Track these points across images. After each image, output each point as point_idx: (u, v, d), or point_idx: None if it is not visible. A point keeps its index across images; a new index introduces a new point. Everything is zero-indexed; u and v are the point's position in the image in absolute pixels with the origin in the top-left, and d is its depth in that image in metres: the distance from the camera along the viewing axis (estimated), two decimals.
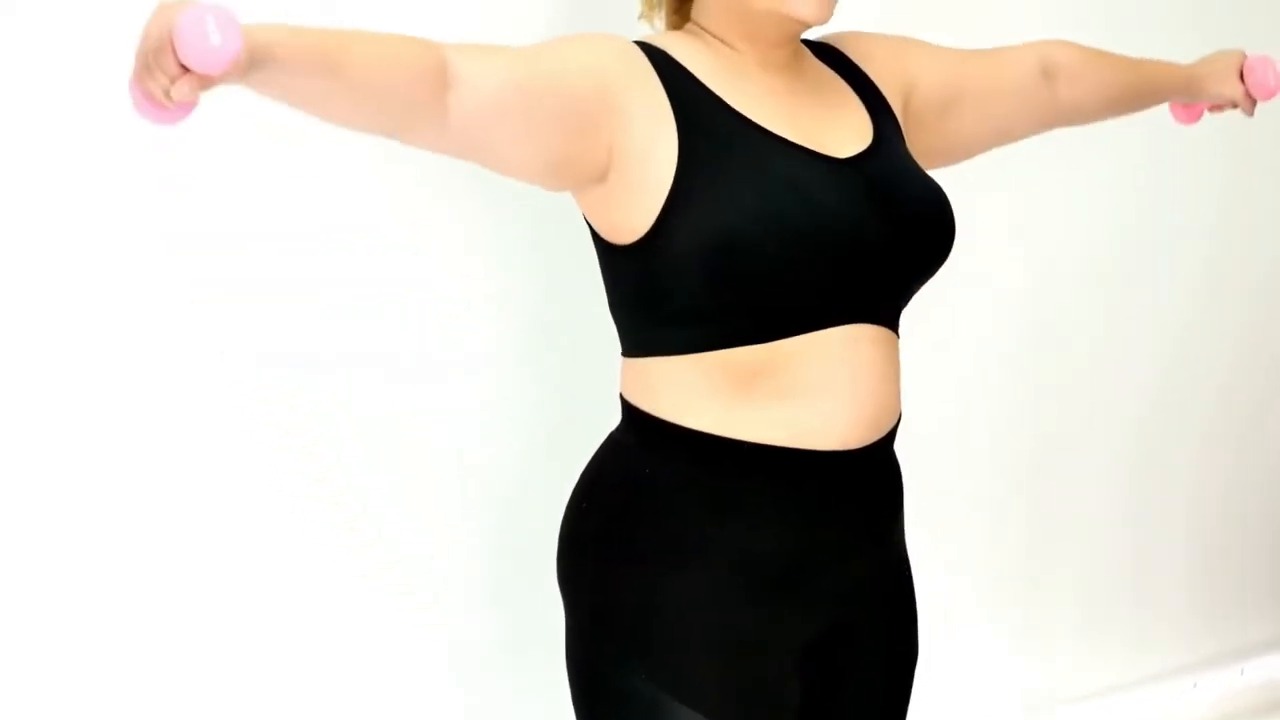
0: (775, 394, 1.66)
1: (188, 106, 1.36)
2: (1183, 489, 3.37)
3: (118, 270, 1.94)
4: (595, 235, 1.72)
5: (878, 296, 1.71)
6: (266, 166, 2.03)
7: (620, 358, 1.76)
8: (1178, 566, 3.39)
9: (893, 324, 1.75)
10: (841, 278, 1.66)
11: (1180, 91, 2.25)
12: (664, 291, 1.66)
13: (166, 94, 1.32)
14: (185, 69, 1.31)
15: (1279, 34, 3.25)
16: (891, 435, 1.77)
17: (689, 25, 1.78)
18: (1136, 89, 2.19)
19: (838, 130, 1.74)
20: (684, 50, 1.71)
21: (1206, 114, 2.32)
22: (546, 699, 2.01)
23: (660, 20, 1.83)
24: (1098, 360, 3.15)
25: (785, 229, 1.60)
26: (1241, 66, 2.23)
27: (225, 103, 1.95)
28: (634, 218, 1.65)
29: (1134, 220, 3.12)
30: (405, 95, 1.50)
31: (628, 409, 1.75)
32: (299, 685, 2.14)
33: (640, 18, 1.85)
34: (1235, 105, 2.26)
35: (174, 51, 1.30)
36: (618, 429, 1.77)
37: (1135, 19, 3.03)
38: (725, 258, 1.60)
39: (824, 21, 1.70)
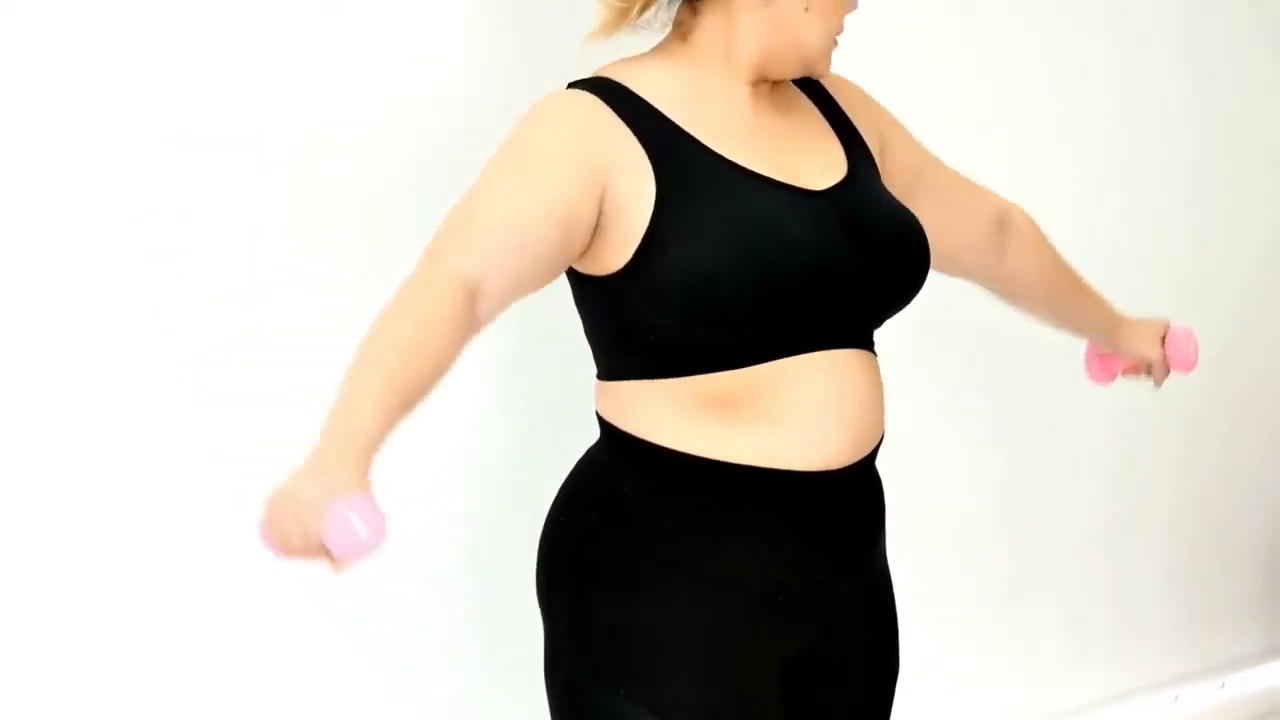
0: (752, 416, 1.66)
1: None
2: (1162, 504, 3.38)
3: (115, 272, 1.94)
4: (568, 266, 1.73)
5: (851, 323, 1.72)
6: (262, 167, 2.02)
7: (595, 380, 1.77)
8: (1158, 581, 3.40)
9: (869, 346, 1.75)
10: (816, 309, 1.66)
11: (1105, 327, 2.26)
12: (638, 324, 1.66)
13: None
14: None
15: (1262, 34, 3.29)
16: (874, 454, 1.77)
17: (673, 44, 1.76)
18: (1069, 295, 2.20)
19: (811, 160, 1.75)
20: (649, 80, 1.71)
21: (1121, 375, 2.33)
22: (525, 715, 2.00)
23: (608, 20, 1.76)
24: (1076, 376, 3.15)
25: (758, 267, 1.61)
26: (1165, 333, 2.23)
27: (223, 108, 1.98)
28: (609, 256, 1.65)
29: (1109, 235, 3.13)
30: (458, 352, 1.57)
31: (605, 427, 1.75)
32: (274, 701, 2.13)
33: (594, 33, 1.77)
34: (1149, 372, 2.27)
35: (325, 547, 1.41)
36: (596, 445, 1.77)
37: (1130, 20, 3.05)
38: (699, 298, 1.60)
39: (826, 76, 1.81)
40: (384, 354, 1.51)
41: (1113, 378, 2.30)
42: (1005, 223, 2.10)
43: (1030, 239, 2.13)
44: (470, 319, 1.57)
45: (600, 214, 1.64)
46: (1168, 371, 2.25)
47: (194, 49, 1.96)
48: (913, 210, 1.84)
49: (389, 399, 1.49)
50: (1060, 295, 2.19)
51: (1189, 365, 2.22)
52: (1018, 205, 2.13)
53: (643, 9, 1.73)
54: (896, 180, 1.89)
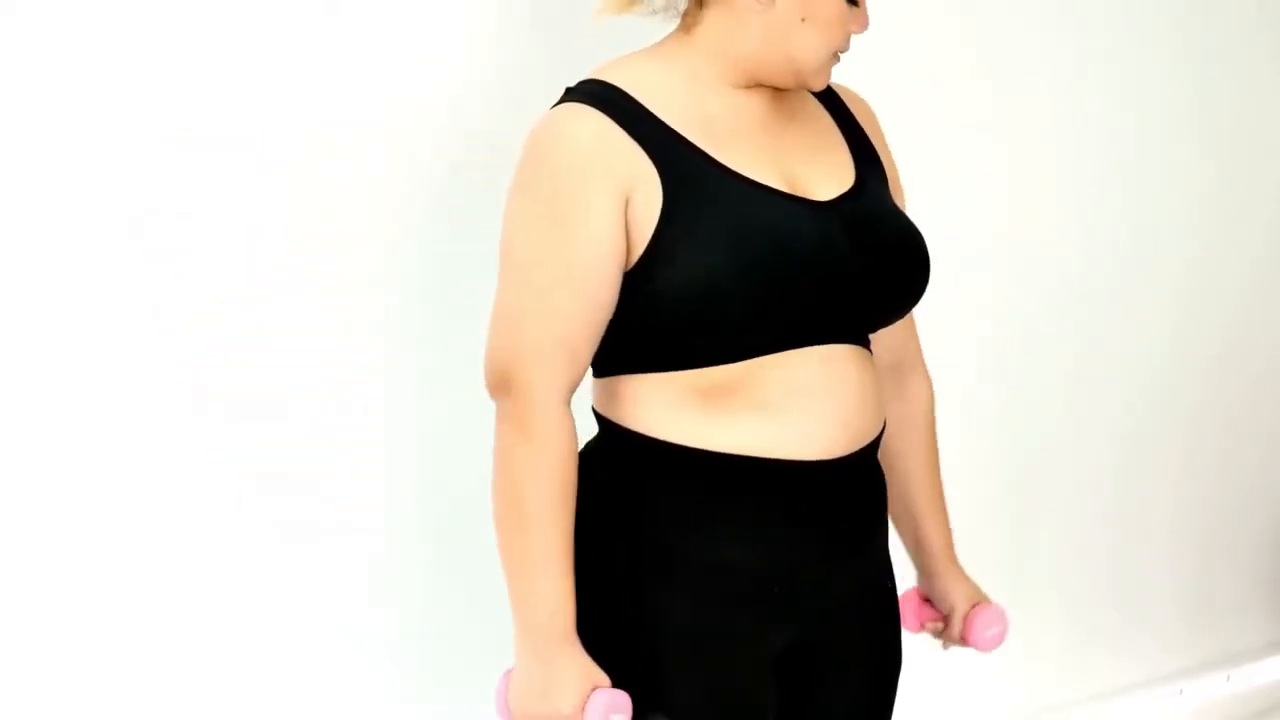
0: (749, 406, 1.66)
1: None
2: (1167, 496, 3.36)
3: (116, 271, 1.94)
4: None
5: (850, 324, 1.72)
6: (262, 167, 2.03)
7: (591, 377, 1.77)
8: (1163, 574, 3.39)
9: (865, 344, 1.75)
10: (815, 311, 1.67)
11: (933, 552, 2.00)
12: (636, 326, 1.67)
13: None
14: None
15: (1262, 34, 3.28)
16: (874, 446, 1.77)
17: (676, 40, 1.75)
18: (917, 491, 1.98)
19: (818, 170, 1.74)
20: (650, 83, 1.70)
21: (934, 637, 2.05)
22: None
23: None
24: (1081, 367, 3.15)
25: (759, 279, 1.61)
26: (978, 601, 2.00)
27: (223, 108, 1.99)
28: None
29: (1116, 229, 3.12)
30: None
31: (601, 421, 1.76)
32: (273, 695, 2.14)
33: (604, 6, 1.77)
34: (943, 626, 2.01)
35: None
36: (593, 439, 1.77)
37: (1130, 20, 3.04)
38: (699, 305, 1.62)
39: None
40: (544, 515, 1.64)
41: (920, 628, 2.05)
42: (905, 371, 1.96)
43: (916, 409, 1.97)
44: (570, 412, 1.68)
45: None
46: (960, 640, 2.00)
47: (194, 49, 1.96)
48: None
49: (565, 561, 1.64)
50: (908, 480, 1.96)
51: (983, 646, 1.98)
52: (930, 383, 1.99)
53: None
54: None
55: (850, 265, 1.68)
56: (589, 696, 1.63)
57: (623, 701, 1.63)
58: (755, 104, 1.74)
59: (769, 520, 1.70)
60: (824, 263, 1.66)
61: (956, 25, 2.76)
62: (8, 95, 1.85)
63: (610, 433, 1.74)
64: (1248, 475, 3.53)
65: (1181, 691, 3.40)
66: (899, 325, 1.88)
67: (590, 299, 1.64)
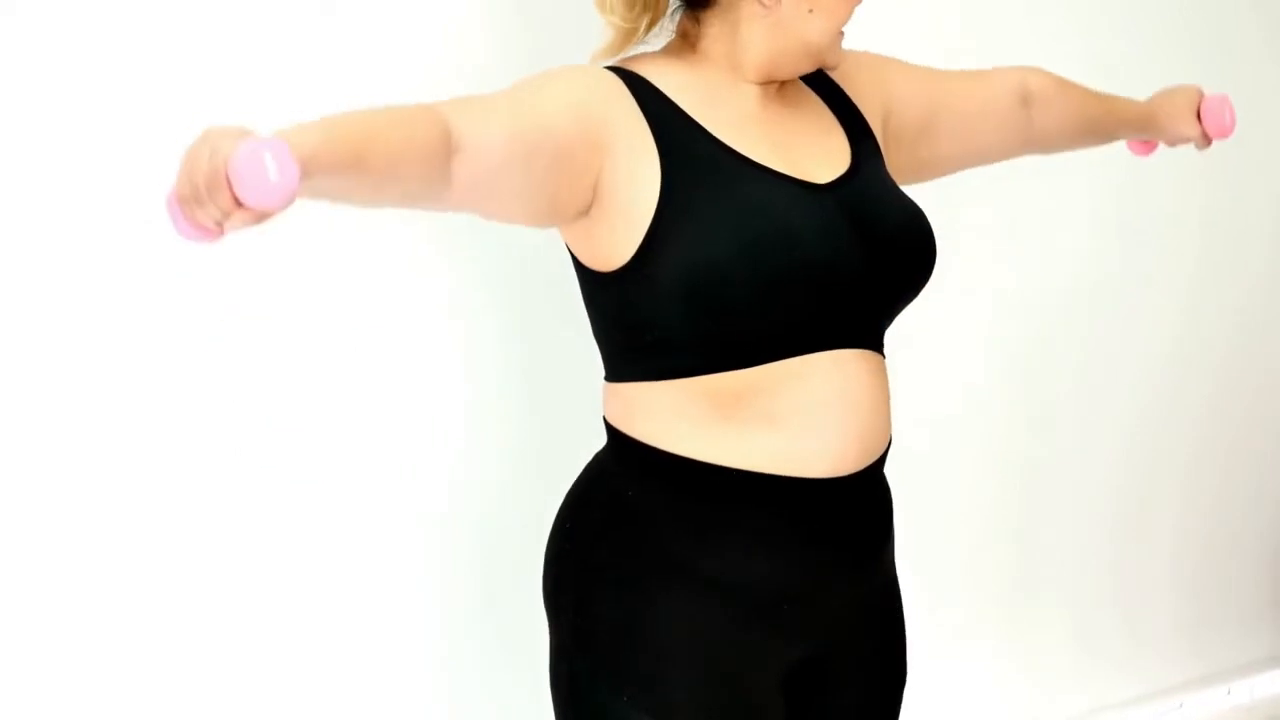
0: (760, 419, 1.66)
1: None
2: (1169, 509, 3.37)
3: (116, 272, 1.94)
4: (576, 262, 1.73)
5: (861, 320, 1.71)
6: None
7: (603, 382, 1.77)
8: (1164, 587, 3.39)
9: (878, 347, 1.74)
10: (822, 304, 1.66)
11: (1140, 128, 2.26)
12: (644, 320, 1.66)
13: (217, 224, 1.31)
14: (239, 202, 1.29)
15: (1266, 36, 3.28)
16: (882, 460, 1.76)
17: (680, 45, 1.76)
18: (1100, 121, 2.19)
19: (816, 154, 1.74)
20: (662, 73, 1.71)
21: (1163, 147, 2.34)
22: (530, 715, 2.00)
23: (619, 17, 1.75)
24: (1084, 380, 3.15)
25: (764, 259, 1.60)
26: (1199, 106, 2.23)
27: (222, 109, 1.98)
28: (615, 247, 1.65)
29: (1120, 237, 3.12)
30: (421, 175, 1.49)
31: (612, 432, 1.75)
32: (284, 699, 2.14)
33: (601, 53, 1.79)
34: (1191, 142, 2.27)
35: (229, 186, 1.28)
36: (603, 450, 1.77)
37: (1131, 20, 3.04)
38: (705, 289, 1.60)
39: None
40: (347, 116, 1.43)
41: (1153, 150, 2.33)
42: (1026, 97, 2.09)
43: (1052, 96, 2.12)
44: (443, 152, 1.50)
45: (599, 185, 1.64)
46: (1209, 142, 2.27)
47: (193, 50, 1.97)
48: (937, 132, 1.92)
49: (338, 129, 1.39)
50: (1090, 125, 2.19)
51: (1226, 133, 2.22)
52: (1032, 69, 2.12)
53: (649, 28, 1.74)
54: (908, 126, 1.91)
55: (852, 250, 1.67)
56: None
57: (288, 162, 1.30)
58: (759, 100, 1.75)
59: (778, 537, 1.69)
60: (825, 245, 1.65)
61: (957, 25, 2.77)
62: (8, 95, 1.85)
63: (619, 443, 1.73)
64: (1251, 489, 3.53)
65: (1182, 705, 3.41)
66: (982, 91, 2.04)
67: (514, 126, 1.56)
